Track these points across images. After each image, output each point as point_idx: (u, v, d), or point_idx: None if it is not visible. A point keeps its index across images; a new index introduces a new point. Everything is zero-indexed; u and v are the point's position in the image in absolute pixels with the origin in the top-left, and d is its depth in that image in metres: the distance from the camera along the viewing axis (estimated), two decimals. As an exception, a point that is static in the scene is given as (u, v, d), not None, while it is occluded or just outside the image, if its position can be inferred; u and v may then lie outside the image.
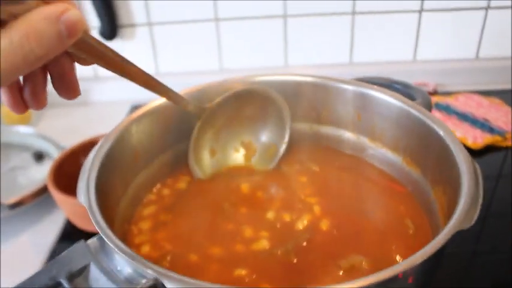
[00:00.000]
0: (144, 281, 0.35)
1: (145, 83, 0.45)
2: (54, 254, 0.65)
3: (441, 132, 0.47)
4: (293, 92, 0.59)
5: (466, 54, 0.97)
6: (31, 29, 0.27)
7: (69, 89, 0.37)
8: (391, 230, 0.50)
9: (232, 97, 0.57)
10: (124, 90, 1.01)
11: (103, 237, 0.37)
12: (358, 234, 0.50)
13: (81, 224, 0.67)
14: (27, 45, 0.27)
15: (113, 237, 0.37)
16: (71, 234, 0.68)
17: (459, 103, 0.88)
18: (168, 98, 0.49)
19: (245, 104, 0.58)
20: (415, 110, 0.50)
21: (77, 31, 0.29)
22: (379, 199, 0.55)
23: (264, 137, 0.60)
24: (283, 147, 0.59)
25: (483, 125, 0.81)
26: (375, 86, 0.54)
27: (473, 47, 0.97)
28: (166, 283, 0.33)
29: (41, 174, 0.79)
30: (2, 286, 0.60)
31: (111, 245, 0.36)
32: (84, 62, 0.37)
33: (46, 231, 0.69)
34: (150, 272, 0.34)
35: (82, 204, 0.62)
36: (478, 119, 0.83)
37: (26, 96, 0.36)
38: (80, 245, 0.39)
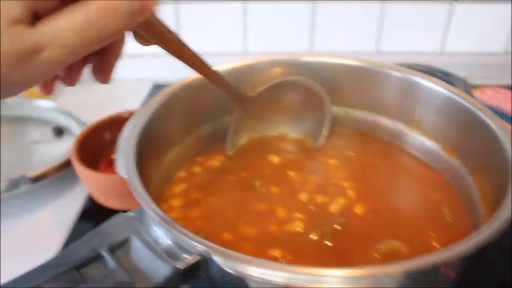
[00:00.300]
0: (188, 256, 0.34)
1: (199, 68, 0.45)
2: (76, 229, 0.64)
3: (489, 120, 0.46)
4: (332, 75, 0.58)
5: (495, 48, 0.96)
6: (108, 3, 0.27)
7: (106, 72, 0.36)
8: (428, 217, 0.49)
9: (276, 87, 0.56)
10: (145, 69, 1.00)
11: (147, 210, 0.36)
12: (394, 220, 0.49)
13: (103, 200, 0.66)
14: (103, 20, 0.27)
15: (159, 211, 0.36)
16: (93, 211, 0.67)
17: (487, 97, 0.86)
18: (217, 84, 0.49)
19: (287, 94, 0.58)
20: (462, 98, 0.49)
21: (149, 8, 0.29)
22: (414, 186, 0.54)
23: (302, 129, 0.60)
24: (321, 141, 0.58)
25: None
26: (420, 73, 0.53)
27: (502, 41, 0.95)
28: (219, 259, 0.32)
29: (61, 149, 0.77)
30: (22, 260, 0.59)
31: (156, 218, 0.35)
32: (144, 42, 0.36)
33: (67, 206, 0.69)
34: (200, 247, 0.33)
35: (105, 180, 0.62)
36: (506, 114, 0.81)
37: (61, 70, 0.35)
38: (119, 217, 0.38)
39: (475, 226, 0.45)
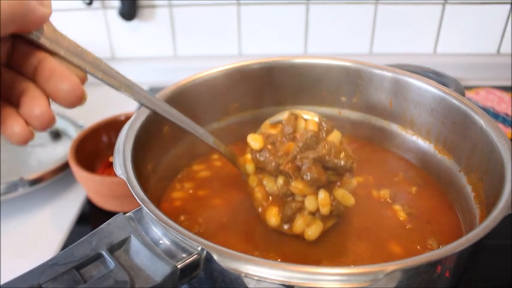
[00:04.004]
0: (187, 255, 0.35)
1: None
2: (74, 231, 0.65)
3: (481, 119, 0.46)
4: (324, 76, 0.59)
5: (488, 49, 0.97)
6: None
7: None
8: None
9: None
10: (141, 73, 1.00)
11: (146, 210, 0.37)
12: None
13: (101, 202, 0.67)
14: None
15: (157, 211, 0.36)
16: (91, 213, 0.68)
17: (480, 97, 0.87)
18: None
19: None
20: (453, 97, 0.50)
21: None
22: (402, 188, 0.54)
23: None
24: None
25: (505, 120, 0.80)
26: (412, 73, 0.53)
27: (495, 42, 0.96)
28: (217, 258, 0.32)
29: (58, 152, 0.78)
30: (20, 262, 0.60)
31: (155, 218, 0.36)
32: None
33: (65, 208, 0.69)
34: (199, 246, 0.33)
35: (103, 182, 0.63)
36: (499, 114, 0.82)
37: None
38: (119, 217, 0.38)
39: (470, 227, 0.46)
